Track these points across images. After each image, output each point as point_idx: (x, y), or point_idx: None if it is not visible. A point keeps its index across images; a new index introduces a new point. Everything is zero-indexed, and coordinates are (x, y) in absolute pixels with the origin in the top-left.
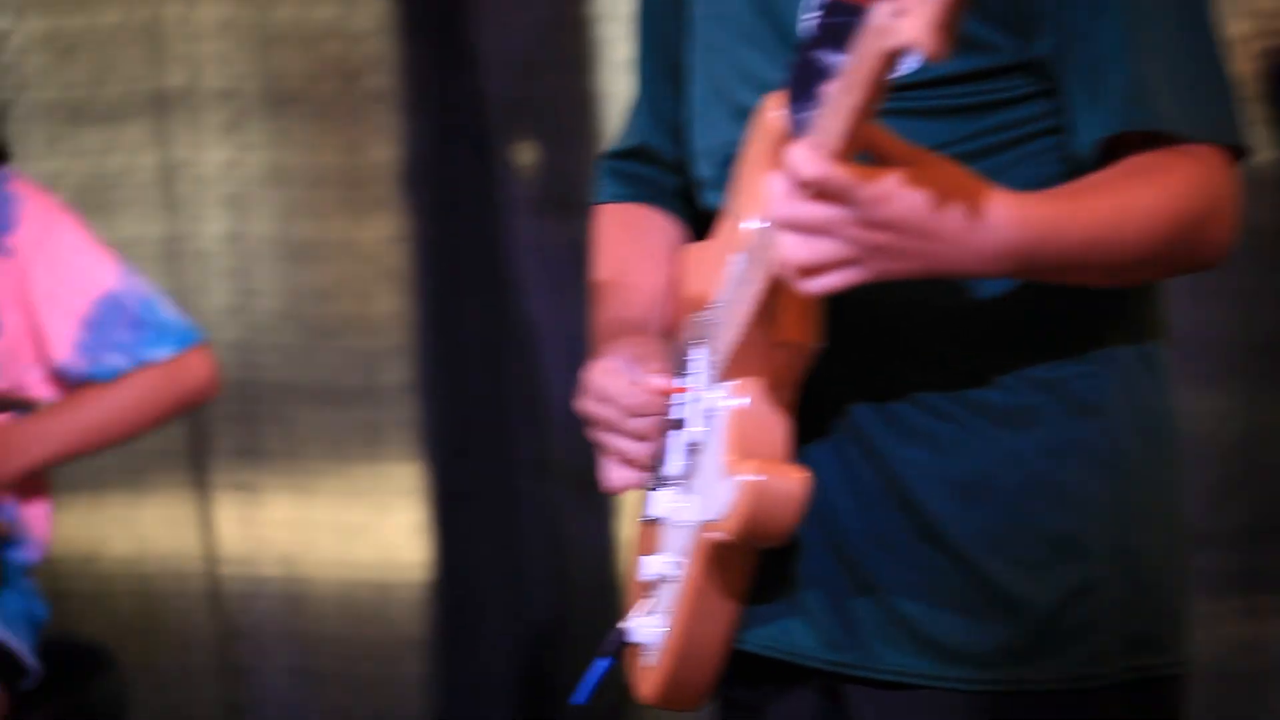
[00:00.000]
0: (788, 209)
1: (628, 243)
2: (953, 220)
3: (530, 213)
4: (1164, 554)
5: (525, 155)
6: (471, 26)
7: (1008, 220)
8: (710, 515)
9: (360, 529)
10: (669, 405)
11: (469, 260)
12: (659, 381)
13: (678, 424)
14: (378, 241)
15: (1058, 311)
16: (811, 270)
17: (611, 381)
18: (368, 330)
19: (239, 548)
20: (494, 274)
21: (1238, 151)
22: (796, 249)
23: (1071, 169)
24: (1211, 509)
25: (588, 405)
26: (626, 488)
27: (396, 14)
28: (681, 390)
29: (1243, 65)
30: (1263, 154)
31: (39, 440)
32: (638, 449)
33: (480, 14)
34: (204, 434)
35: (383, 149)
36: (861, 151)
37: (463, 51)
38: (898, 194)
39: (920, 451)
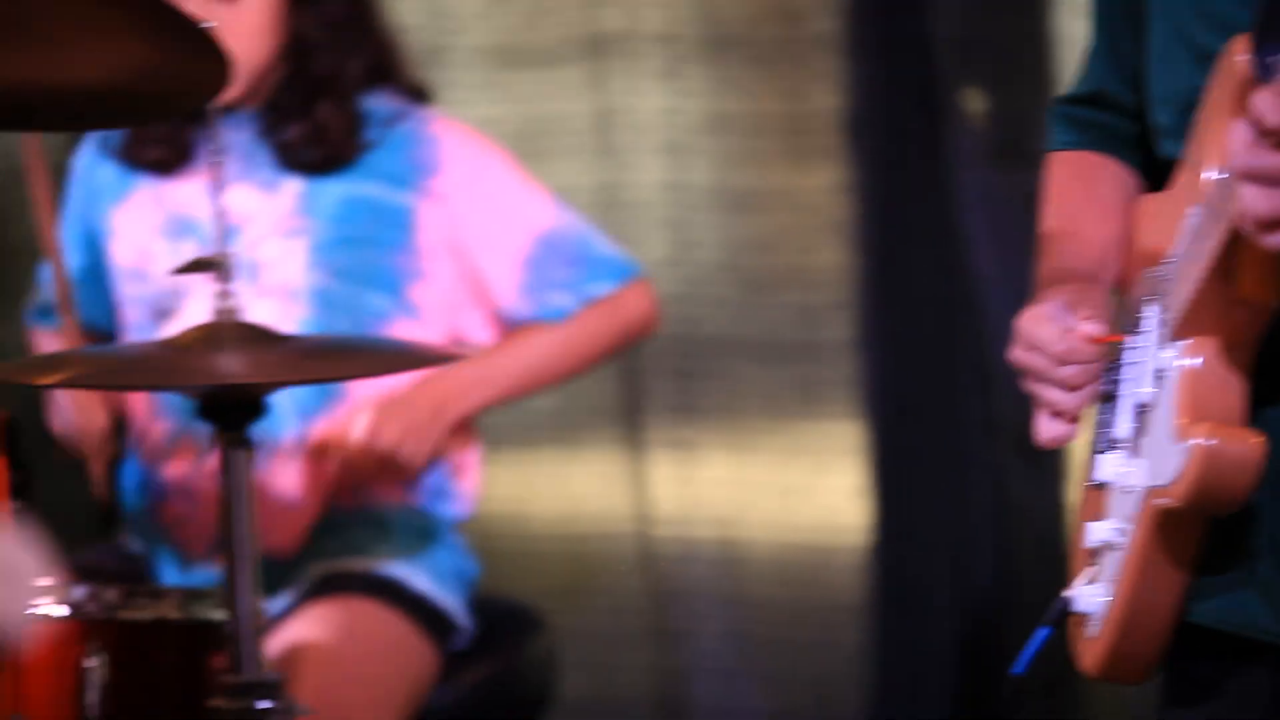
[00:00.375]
0: (1251, 159)
1: (1079, 191)
2: None
3: (979, 163)
4: None
5: (975, 102)
6: None
7: None
8: (1159, 480)
9: (798, 490)
10: (1102, 355)
11: (915, 212)
12: (1090, 328)
13: (1116, 382)
14: (820, 191)
15: None
16: (1274, 224)
17: (1042, 328)
18: (808, 284)
19: (674, 508)
20: (941, 226)
21: None
22: (1258, 201)
23: None
24: None
25: (1018, 353)
26: (1056, 441)
27: None
28: (1115, 339)
29: None
30: None
31: (481, 384)
32: (1068, 399)
33: None
34: (639, 389)
35: (826, 95)
36: None
37: None
38: None
39: None
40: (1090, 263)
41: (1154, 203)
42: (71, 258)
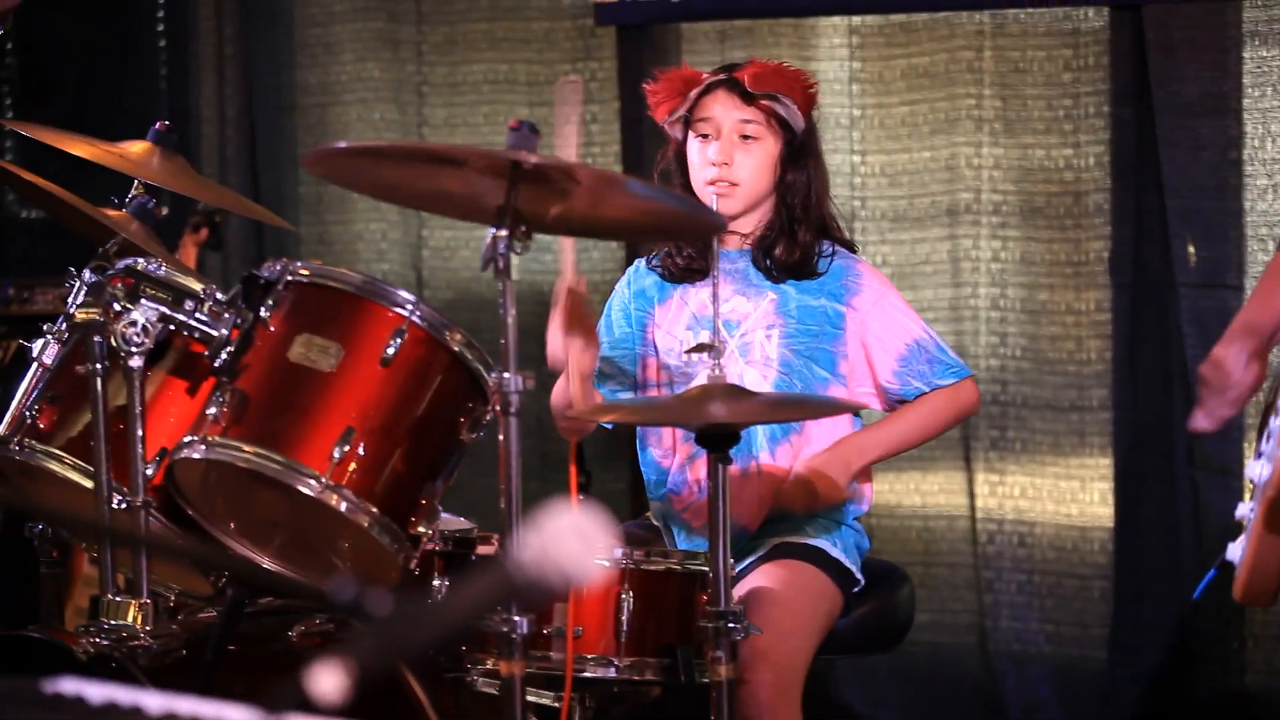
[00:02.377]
0: None
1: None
2: None
3: (1191, 286)
4: None
5: (1189, 246)
6: None
7: None
8: (1267, 477)
9: (1068, 496)
10: (1256, 386)
11: (1148, 321)
12: (1247, 363)
13: (1271, 417)
14: (1090, 309)
15: None
16: None
17: (1224, 354)
18: (1078, 365)
19: (989, 504)
20: (1165, 330)
21: None
22: None
23: None
24: None
25: (1202, 367)
26: (1202, 430)
27: None
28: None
29: None
30: None
31: (870, 445)
32: (1221, 406)
33: None
34: (970, 433)
35: (1096, 243)
36: None
37: None
38: None
39: None
40: (1270, 323)
41: None
42: (612, 331)
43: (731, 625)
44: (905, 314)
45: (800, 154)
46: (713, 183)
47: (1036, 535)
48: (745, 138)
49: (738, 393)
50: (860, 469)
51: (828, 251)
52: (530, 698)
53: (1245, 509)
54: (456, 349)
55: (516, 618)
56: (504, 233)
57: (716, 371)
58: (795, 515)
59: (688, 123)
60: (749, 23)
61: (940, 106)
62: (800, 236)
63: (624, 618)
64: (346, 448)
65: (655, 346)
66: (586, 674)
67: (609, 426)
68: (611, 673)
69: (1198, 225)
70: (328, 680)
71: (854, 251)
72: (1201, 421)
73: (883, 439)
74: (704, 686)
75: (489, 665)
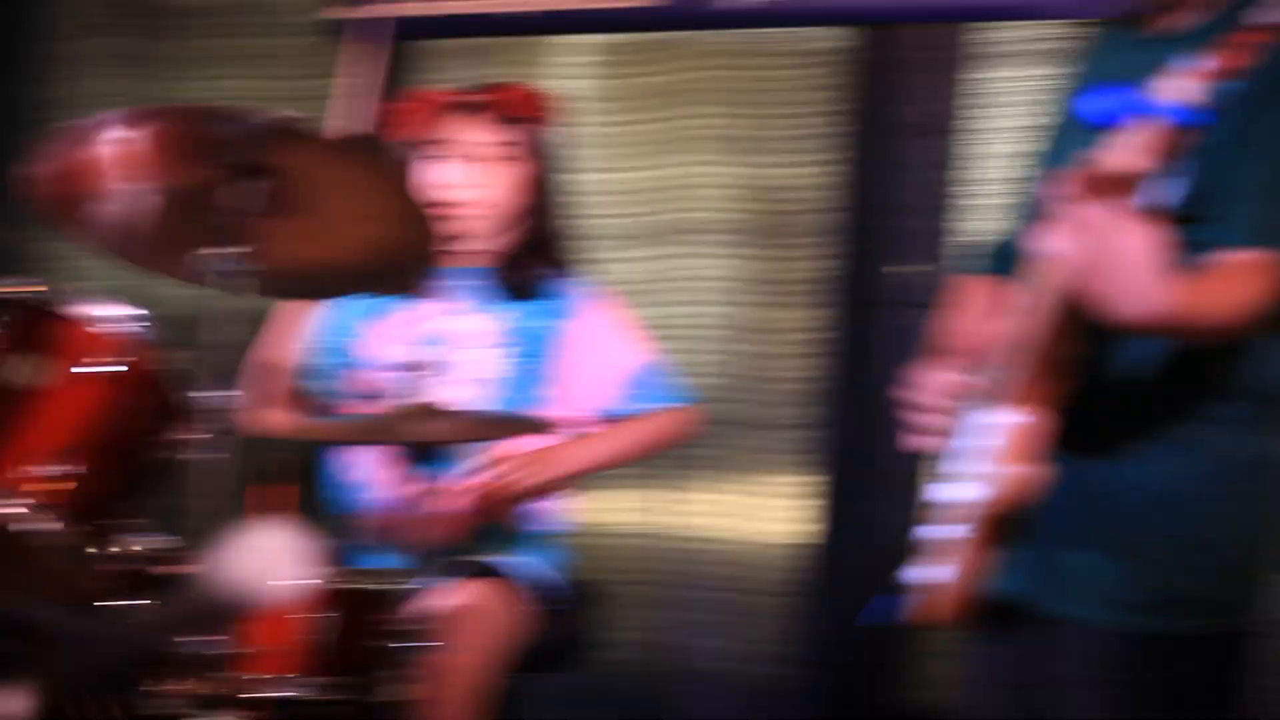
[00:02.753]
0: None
1: (977, 309)
2: (1142, 270)
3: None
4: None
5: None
6: None
7: (1164, 292)
8: (976, 497)
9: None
10: (955, 404)
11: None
12: (950, 379)
13: (960, 434)
14: (797, 328)
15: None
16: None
17: (922, 376)
18: (786, 378)
19: (672, 523)
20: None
21: None
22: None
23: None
24: None
25: (902, 391)
26: (915, 448)
27: None
28: (967, 390)
29: None
30: None
31: (566, 459)
32: (928, 422)
33: None
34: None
35: (807, 264)
36: None
37: None
38: (1128, 226)
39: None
40: (969, 345)
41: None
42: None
43: (417, 644)
44: (627, 336)
45: (540, 176)
46: (451, 204)
47: (733, 553)
48: (485, 160)
49: (441, 411)
50: (552, 480)
51: (558, 273)
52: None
53: (935, 530)
54: (158, 365)
55: (202, 636)
56: (216, 249)
57: (426, 389)
58: (490, 533)
59: (427, 145)
60: (488, 41)
61: (677, 125)
62: (534, 258)
63: (311, 636)
64: (44, 465)
65: (365, 360)
66: (270, 694)
67: (307, 442)
68: (296, 692)
69: (912, 245)
70: (11, 701)
71: (585, 274)
72: (907, 441)
73: (582, 455)
74: (391, 705)
75: (171, 685)
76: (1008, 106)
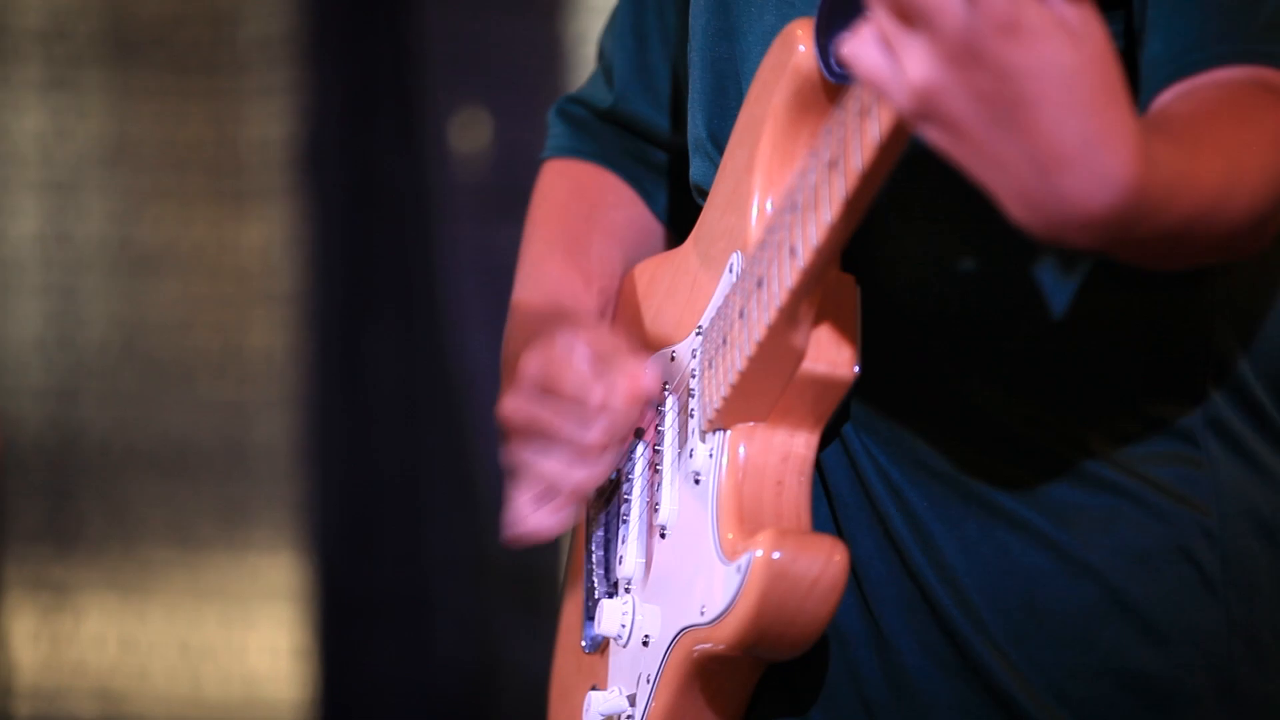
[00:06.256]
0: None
1: (580, 211)
2: (1086, 114)
3: (473, 214)
4: None
5: (469, 133)
6: None
7: (1140, 153)
8: (695, 620)
9: (210, 649)
10: (638, 414)
11: (383, 275)
12: (639, 372)
13: (617, 506)
14: (254, 251)
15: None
16: (880, 78)
17: (560, 370)
18: (235, 375)
19: (41, 677)
20: (419, 297)
21: None
22: (871, 54)
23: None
24: None
25: (516, 404)
26: (538, 534)
27: None
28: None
29: None
30: None
31: None
32: (574, 473)
33: None
34: None
35: (266, 121)
36: None
37: None
38: (1039, 32)
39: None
40: (590, 299)
41: (659, 268)
42: None
43: None
44: None
45: None
46: None
47: None
48: None
49: None
50: None
51: None
52: None
53: (610, 703)
54: None
55: None
56: None
57: None
58: None
59: None
60: None
61: None
62: None
63: None
64: None
65: None
66: None
67: None
68: None
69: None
70: None
71: None
72: (533, 518)
73: None
74: None
75: None
76: None
